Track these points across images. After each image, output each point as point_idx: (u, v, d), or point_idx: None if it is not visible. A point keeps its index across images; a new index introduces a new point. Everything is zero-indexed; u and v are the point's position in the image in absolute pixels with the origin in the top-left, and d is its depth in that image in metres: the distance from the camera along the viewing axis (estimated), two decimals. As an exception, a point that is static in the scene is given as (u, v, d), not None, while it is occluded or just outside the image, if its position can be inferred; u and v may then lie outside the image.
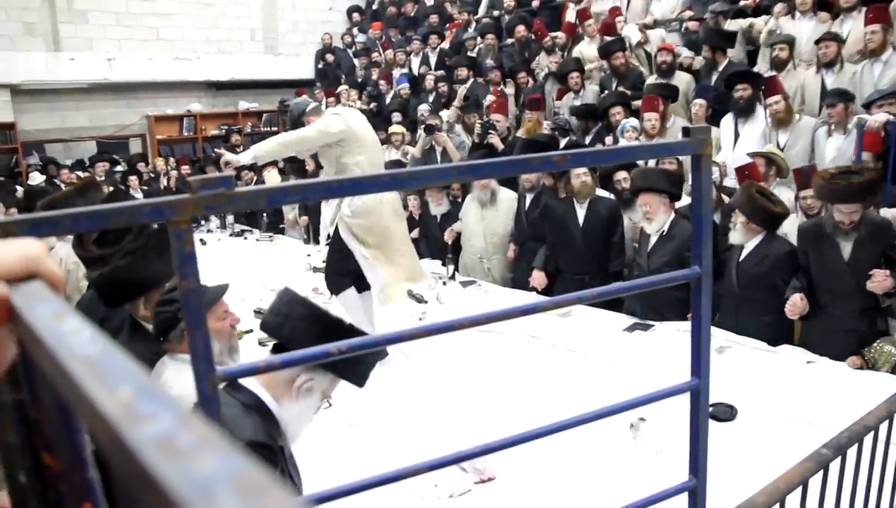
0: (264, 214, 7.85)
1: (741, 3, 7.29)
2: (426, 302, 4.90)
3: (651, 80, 6.85)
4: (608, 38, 7.64)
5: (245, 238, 7.82)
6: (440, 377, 3.72)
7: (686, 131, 1.37)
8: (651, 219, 4.32)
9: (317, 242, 7.02)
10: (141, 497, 0.25)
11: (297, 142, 4.02)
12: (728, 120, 5.80)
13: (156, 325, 2.18)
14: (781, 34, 6.32)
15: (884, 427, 2.31)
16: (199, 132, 11.86)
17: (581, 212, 4.90)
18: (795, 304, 3.82)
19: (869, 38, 5.54)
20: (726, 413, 3.18)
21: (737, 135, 5.72)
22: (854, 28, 5.96)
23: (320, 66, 11.99)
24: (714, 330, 4.14)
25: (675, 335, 4.10)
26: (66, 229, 0.77)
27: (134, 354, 1.64)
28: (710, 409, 3.16)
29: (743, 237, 4.09)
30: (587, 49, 7.93)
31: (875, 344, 3.62)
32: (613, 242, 4.82)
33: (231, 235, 7.99)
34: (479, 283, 5.29)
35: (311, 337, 1.66)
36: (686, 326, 4.30)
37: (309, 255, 6.34)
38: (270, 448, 1.64)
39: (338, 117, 4.04)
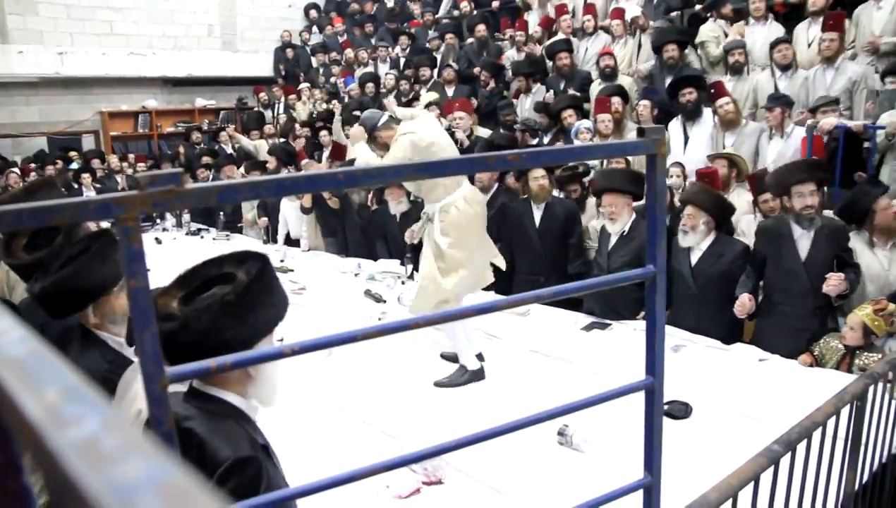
0: (221, 213, 7.73)
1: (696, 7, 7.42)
2: (385, 301, 4.88)
3: (595, 83, 6.95)
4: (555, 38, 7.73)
5: (202, 236, 7.69)
6: (397, 377, 3.70)
7: (641, 131, 1.38)
8: (615, 219, 4.36)
9: (275, 242, 6.94)
10: (64, 504, 0.23)
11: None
12: (676, 123, 5.91)
13: (128, 332, 2.11)
14: (737, 40, 6.44)
15: (831, 422, 2.37)
16: (154, 129, 11.63)
17: (538, 214, 4.93)
18: (744, 304, 3.90)
19: (826, 45, 5.68)
20: (681, 410, 3.23)
21: (686, 138, 5.82)
22: (812, 33, 6.09)
23: (280, 63, 11.87)
24: (670, 329, 4.20)
25: (631, 334, 4.16)
26: (6, 225, 0.74)
27: (88, 363, 1.57)
28: (666, 407, 3.22)
29: (694, 238, 4.15)
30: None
31: (822, 341, 3.72)
32: (571, 244, 4.86)
33: (187, 234, 7.86)
34: (437, 282, 5.27)
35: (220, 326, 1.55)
36: (643, 325, 4.36)
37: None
38: (254, 459, 1.58)
39: (423, 126, 3.83)
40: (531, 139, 6.39)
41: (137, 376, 2.10)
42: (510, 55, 8.37)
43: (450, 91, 8.20)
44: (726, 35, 6.71)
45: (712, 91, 5.75)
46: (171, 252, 6.63)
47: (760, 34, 6.49)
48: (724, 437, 2.99)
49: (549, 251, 4.89)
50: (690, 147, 5.73)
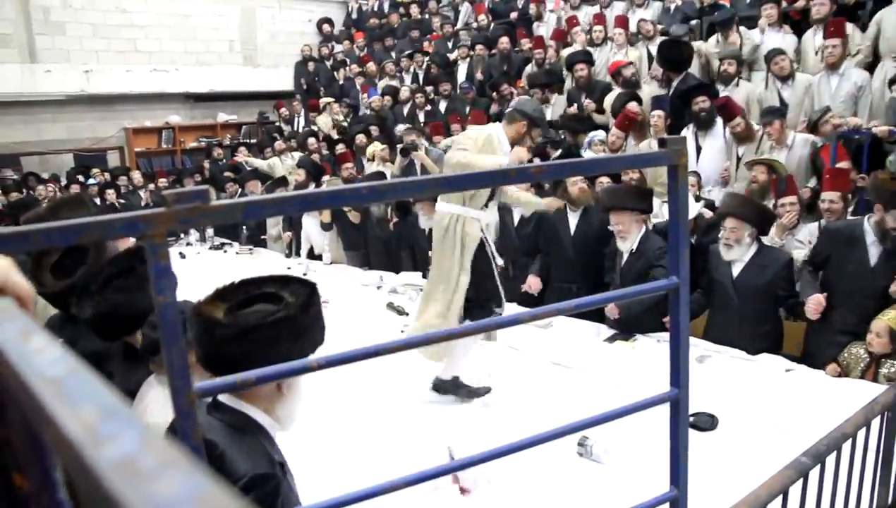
0: (244, 227, 7.80)
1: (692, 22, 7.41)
2: (407, 314, 4.88)
3: (615, 91, 6.92)
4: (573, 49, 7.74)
5: (225, 251, 7.76)
6: (422, 389, 3.70)
7: (662, 142, 1.38)
8: (625, 237, 4.33)
9: (298, 255, 6.99)
10: (104, 521, 0.24)
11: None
12: (688, 133, 5.89)
13: (142, 347, 2.12)
14: (730, 49, 6.46)
15: (861, 434, 2.33)
16: (177, 144, 11.77)
17: (573, 222, 4.90)
18: (820, 303, 3.82)
19: (829, 52, 5.69)
20: (707, 422, 3.20)
21: (698, 149, 5.80)
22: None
23: (301, 77, 11.98)
24: (694, 340, 4.17)
25: (655, 345, 4.12)
26: (36, 244, 0.75)
27: (134, 381, 1.58)
28: (692, 419, 3.19)
29: (739, 251, 4.09)
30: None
31: (846, 350, 3.66)
32: (607, 252, 4.75)
33: (210, 248, 7.93)
34: (459, 295, 5.26)
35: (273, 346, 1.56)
36: (667, 336, 4.32)
37: (289, 268, 6.31)
38: (273, 476, 1.59)
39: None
40: (554, 151, 6.38)
41: (150, 389, 2.13)
42: (527, 70, 8.40)
43: (467, 106, 8.24)
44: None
45: (723, 108, 5.72)
46: (195, 266, 6.69)
47: (775, 41, 6.46)
48: (750, 449, 2.95)
49: (584, 259, 4.82)
50: (703, 157, 5.71)
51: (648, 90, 6.81)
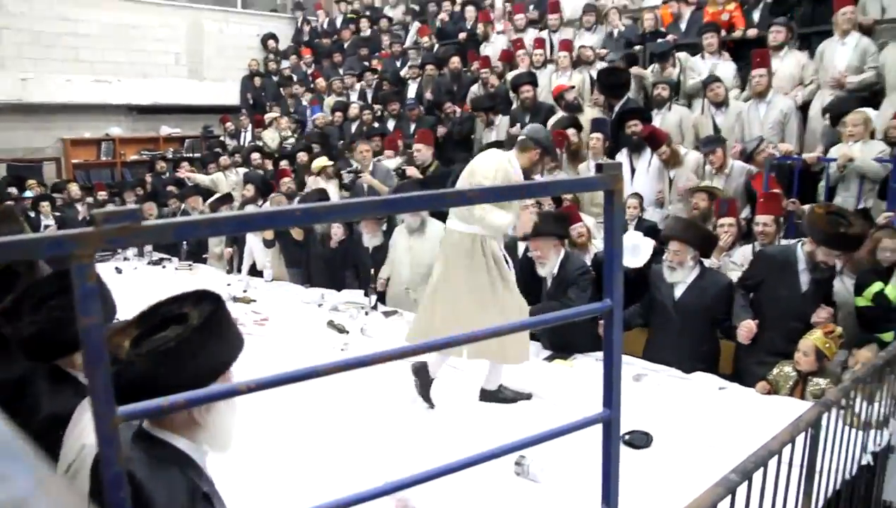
0: (185, 243, 7.65)
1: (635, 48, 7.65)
2: (348, 332, 4.85)
3: (557, 116, 7.08)
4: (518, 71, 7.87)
5: (164, 267, 7.59)
6: (362, 408, 3.67)
7: (599, 167, 1.42)
8: (543, 263, 4.41)
9: (239, 272, 6.88)
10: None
11: None
12: (623, 155, 6.07)
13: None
14: (665, 77, 6.76)
15: (787, 450, 2.41)
16: (117, 157, 11.48)
17: (521, 245, 4.92)
18: (751, 329, 3.96)
19: (756, 82, 5.95)
20: (642, 440, 3.25)
21: (633, 170, 5.96)
22: (780, 66, 6.31)
23: (247, 92, 11.87)
24: (631, 359, 4.25)
25: (594, 364, 4.19)
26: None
27: (60, 403, 1.52)
28: (627, 437, 3.25)
29: (682, 274, 4.20)
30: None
31: (776, 368, 3.79)
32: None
33: (149, 264, 7.75)
34: (401, 313, 5.27)
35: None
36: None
37: (229, 285, 6.20)
38: None
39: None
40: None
41: (87, 412, 2.06)
42: (473, 89, 8.50)
43: (413, 124, 8.28)
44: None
45: (650, 137, 5.90)
46: (131, 282, 6.53)
47: (716, 69, 6.70)
48: (683, 467, 3.02)
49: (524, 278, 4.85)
50: (637, 179, 5.88)
51: (591, 113, 6.96)
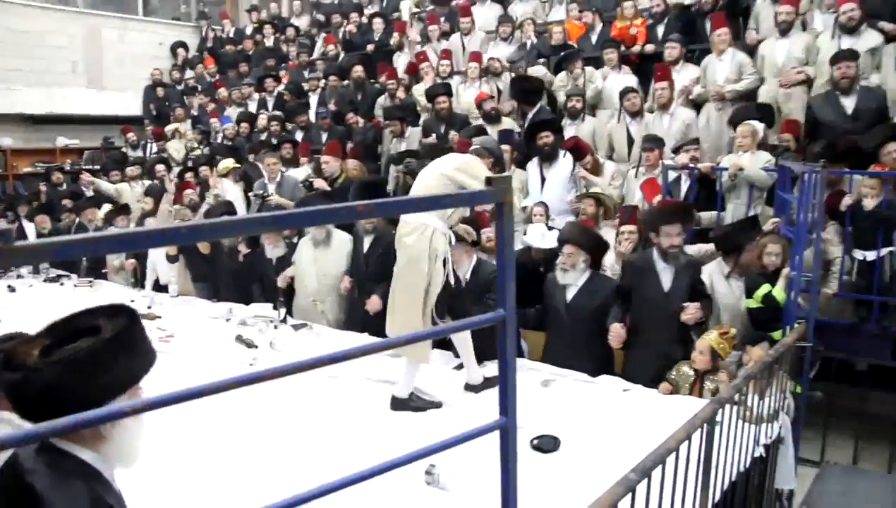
0: (83, 258, 7.32)
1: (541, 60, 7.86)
2: (256, 346, 4.76)
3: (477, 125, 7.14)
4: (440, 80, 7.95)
5: (61, 283, 7.24)
6: (270, 423, 3.61)
7: (489, 180, 1.45)
8: (455, 269, 4.48)
9: (143, 287, 6.63)
10: None
11: None
12: (533, 165, 6.21)
13: None
14: (576, 87, 6.97)
15: (684, 447, 2.52)
16: (9, 169, 10.88)
17: None
18: (618, 332, 4.12)
19: (659, 94, 6.22)
20: (550, 444, 3.32)
21: (543, 180, 6.11)
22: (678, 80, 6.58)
23: (150, 102, 11.49)
24: (538, 364, 4.35)
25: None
26: None
27: None
28: (536, 441, 3.32)
29: (573, 276, 4.36)
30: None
31: (675, 369, 3.96)
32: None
33: (45, 281, 7.38)
34: (310, 326, 5.21)
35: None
36: (518, 363, 4.47)
37: (133, 301, 5.97)
38: None
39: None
40: (412, 181, 6.47)
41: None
42: (380, 101, 8.51)
43: (324, 134, 8.22)
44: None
45: (574, 149, 6.06)
46: (26, 301, 6.21)
47: (616, 81, 6.97)
48: (590, 469, 3.10)
49: None
50: (547, 188, 6.02)
51: (508, 123, 7.09)
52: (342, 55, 9.80)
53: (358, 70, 8.80)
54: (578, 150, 6.00)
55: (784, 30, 6.25)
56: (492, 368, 4.06)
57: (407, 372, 3.86)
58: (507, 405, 1.52)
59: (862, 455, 4.74)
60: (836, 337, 4.75)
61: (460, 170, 3.79)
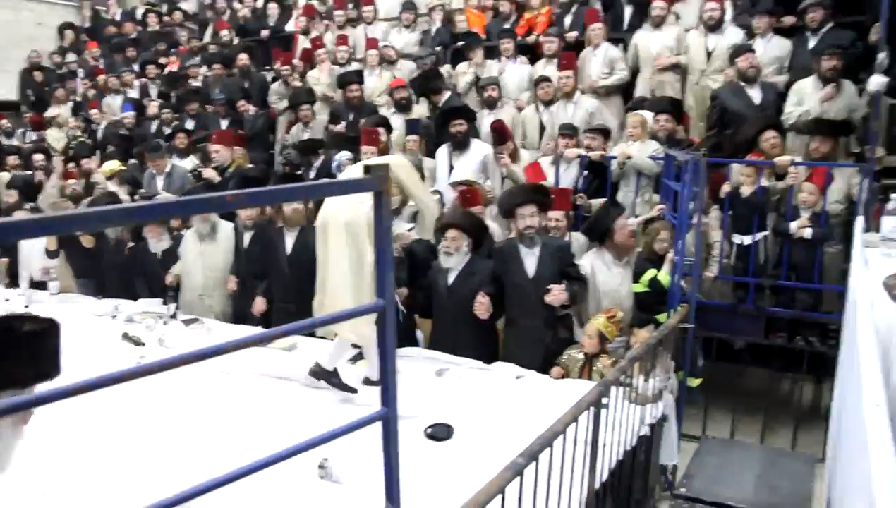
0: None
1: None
2: (144, 344, 4.57)
3: (388, 114, 7.09)
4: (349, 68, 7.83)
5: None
6: (158, 423, 3.48)
7: (367, 169, 1.44)
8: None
9: (16, 285, 6.22)
10: None
11: None
12: (443, 152, 6.22)
13: None
14: (492, 76, 6.98)
15: (571, 429, 2.59)
16: None
17: (290, 241, 4.97)
18: (481, 303, 4.23)
19: (563, 83, 6.36)
20: (444, 432, 3.35)
21: (451, 168, 6.14)
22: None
23: (27, 87, 10.77)
24: (434, 353, 4.38)
25: (401, 361, 4.24)
26: None
27: None
28: (430, 430, 3.34)
29: (457, 259, 4.44)
30: (323, 78, 8.02)
31: (565, 354, 4.08)
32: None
33: None
34: (201, 321, 5.07)
35: None
36: (412, 351, 4.49)
37: (7, 300, 5.61)
38: None
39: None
40: (294, 172, 6.38)
41: None
42: (274, 87, 8.32)
43: (224, 122, 7.95)
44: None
45: (498, 131, 6.10)
46: None
47: (513, 71, 7.09)
48: (484, 455, 3.13)
49: (300, 278, 4.70)
50: (455, 174, 6.05)
51: (419, 110, 7.08)
52: (236, 40, 9.49)
53: (243, 58, 8.57)
54: (502, 135, 6.05)
55: (657, 23, 6.59)
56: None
57: (338, 346, 3.87)
58: (388, 395, 1.52)
59: (739, 428, 5.00)
60: (717, 317, 5.00)
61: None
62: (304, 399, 3.82)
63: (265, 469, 1.39)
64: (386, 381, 1.49)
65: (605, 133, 5.96)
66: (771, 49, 6.10)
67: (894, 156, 5.28)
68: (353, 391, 3.84)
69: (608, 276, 4.49)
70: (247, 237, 5.29)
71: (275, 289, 5.03)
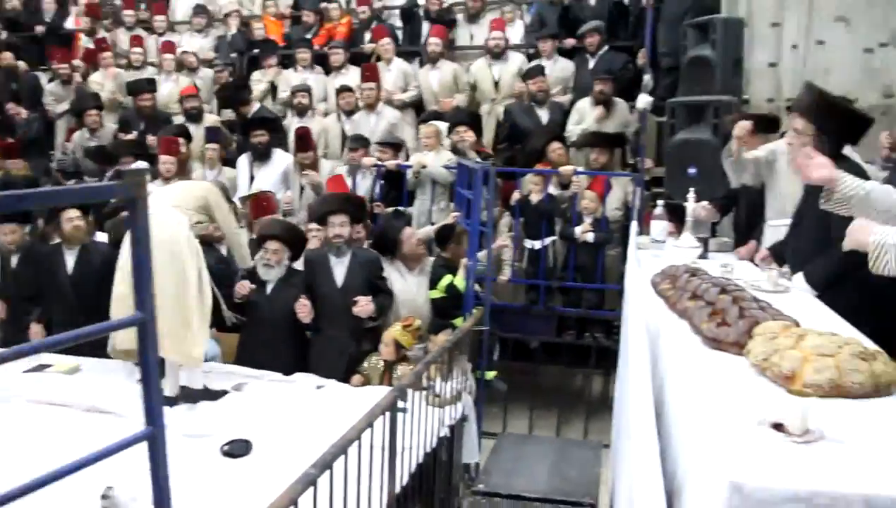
0: None
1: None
2: None
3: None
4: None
5: None
6: None
7: (118, 174, 1.35)
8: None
9: None
10: None
11: None
12: (244, 161, 6.06)
13: None
14: (303, 84, 6.91)
15: (367, 435, 2.59)
16: None
17: (70, 260, 4.57)
18: (304, 304, 4.22)
19: (366, 94, 6.45)
20: (242, 448, 3.24)
21: (252, 178, 6.00)
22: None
23: None
24: (233, 368, 4.23)
25: (197, 379, 4.05)
26: None
27: None
28: (226, 447, 3.21)
29: (278, 272, 4.38)
30: (108, 83, 7.49)
31: (366, 362, 4.11)
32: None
33: None
34: (-32, 347, 4.51)
35: None
36: (207, 366, 4.29)
37: None
38: None
39: None
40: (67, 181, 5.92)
41: None
42: (50, 88, 7.66)
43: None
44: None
45: (301, 138, 6.04)
46: None
47: (314, 81, 7.07)
48: (283, 469, 3.05)
49: (84, 299, 4.45)
50: (256, 185, 5.93)
51: (211, 120, 6.83)
52: (4, 34, 8.60)
53: (7, 56, 7.84)
54: (305, 143, 5.99)
55: (433, 59, 6.78)
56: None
57: (170, 373, 3.76)
58: (154, 413, 1.42)
59: (537, 423, 5.29)
60: (512, 319, 5.27)
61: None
62: (84, 427, 3.52)
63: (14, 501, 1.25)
64: (150, 398, 1.40)
65: (396, 147, 6.08)
66: (556, 70, 6.56)
67: (661, 167, 5.84)
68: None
69: (404, 286, 4.60)
70: (14, 258, 4.73)
71: (54, 313, 4.58)
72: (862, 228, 2.19)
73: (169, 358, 3.69)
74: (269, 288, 4.41)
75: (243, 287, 4.31)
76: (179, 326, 3.66)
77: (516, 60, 6.73)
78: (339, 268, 4.37)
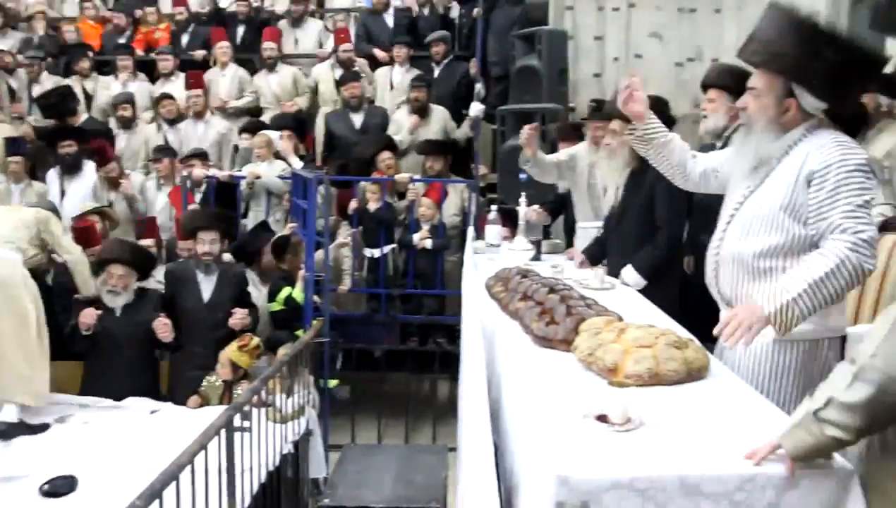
0: None
1: None
2: None
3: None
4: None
5: None
6: None
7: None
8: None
9: None
10: None
11: None
12: (54, 176, 5.69)
13: None
14: (123, 93, 6.56)
15: (200, 458, 2.47)
16: None
17: None
18: (164, 324, 4.03)
19: (194, 102, 6.26)
20: (65, 486, 3.03)
21: (63, 192, 5.63)
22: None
23: None
24: (61, 397, 3.94)
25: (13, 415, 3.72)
26: None
27: None
28: (46, 487, 2.98)
29: (124, 298, 4.15)
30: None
31: (204, 381, 3.96)
32: None
33: None
34: None
35: None
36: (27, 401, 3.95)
37: None
38: None
39: None
40: None
41: None
42: None
43: None
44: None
45: (98, 152, 5.72)
46: None
47: (136, 89, 6.73)
48: (113, 503, 2.86)
49: None
50: (67, 200, 5.55)
51: (7, 131, 6.20)
52: None
53: None
54: (102, 156, 5.67)
55: (270, 65, 6.72)
56: None
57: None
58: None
59: (386, 432, 5.28)
60: (354, 328, 5.24)
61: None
62: None
63: None
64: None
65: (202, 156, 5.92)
66: (407, 77, 6.57)
67: (495, 173, 6.03)
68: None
69: (258, 296, 4.54)
70: None
71: None
72: (751, 310, 2.01)
73: (16, 400, 3.55)
74: (117, 311, 4.15)
75: (89, 316, 3.98)
76: (24, 367, 3.56)
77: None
78: (207, 284, 4.26)
